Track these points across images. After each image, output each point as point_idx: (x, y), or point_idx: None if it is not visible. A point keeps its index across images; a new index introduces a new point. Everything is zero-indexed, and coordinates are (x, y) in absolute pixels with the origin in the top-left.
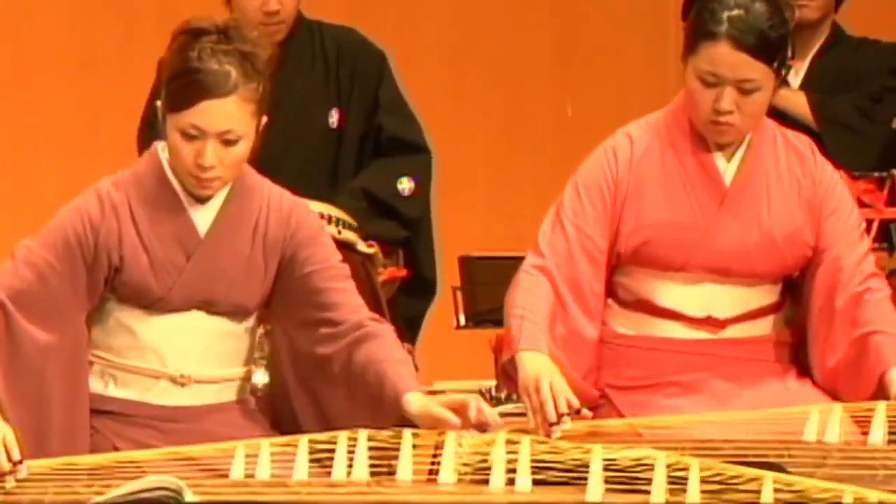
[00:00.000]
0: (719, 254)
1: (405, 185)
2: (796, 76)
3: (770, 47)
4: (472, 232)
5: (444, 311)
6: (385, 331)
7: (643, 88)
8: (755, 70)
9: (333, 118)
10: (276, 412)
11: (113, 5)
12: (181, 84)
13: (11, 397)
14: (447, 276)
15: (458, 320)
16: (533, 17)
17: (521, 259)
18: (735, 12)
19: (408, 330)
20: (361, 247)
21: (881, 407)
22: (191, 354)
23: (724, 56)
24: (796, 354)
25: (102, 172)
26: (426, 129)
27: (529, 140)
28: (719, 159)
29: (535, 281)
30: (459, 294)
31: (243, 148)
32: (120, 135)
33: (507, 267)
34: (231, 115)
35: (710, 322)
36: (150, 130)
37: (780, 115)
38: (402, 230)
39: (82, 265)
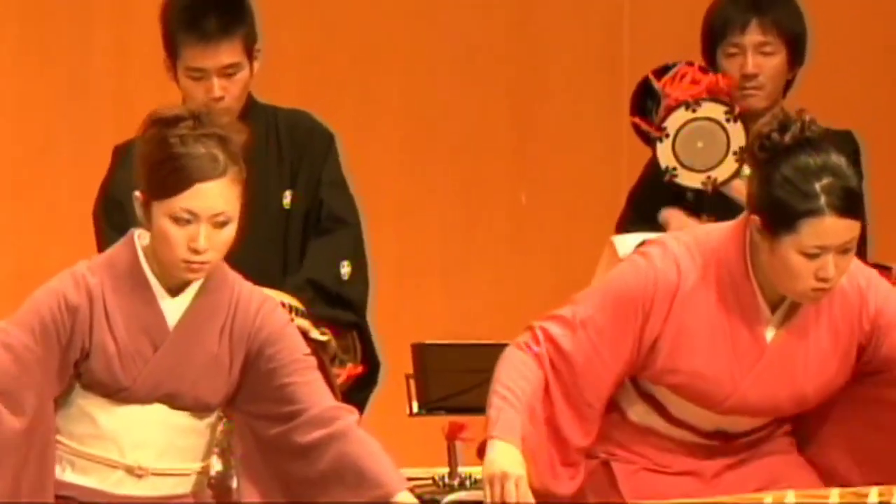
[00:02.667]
0: (746, 402)
1: (346, 268)
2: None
3: (860, 200)
4: (426, 319)
5: (397, 398)
6: (353, 423)
7: (598, 179)
8: (856, 229)
9: (287, 199)
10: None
11: (69, 91)
12: (168, 170)
13: None
14: (400, 363)
15: (410, 408)
16: (490, 105)
17: (474, 347)
18: (826, 181)
19: None
20: (314, 334)
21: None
22: (150, 447)
23: (830, 228)
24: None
25: (59, 259)
26: (381, 213)
27: (484, 227)
28: (764, 312)
29: (527, 364)
30: (412, 381)
31: (231, 230)
32: (77, 222)
33: (460, 354)
34: (223, 197)
35: (719, 436)
36: (106, 215)
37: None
38: (351, 314)
39: (57, 347)
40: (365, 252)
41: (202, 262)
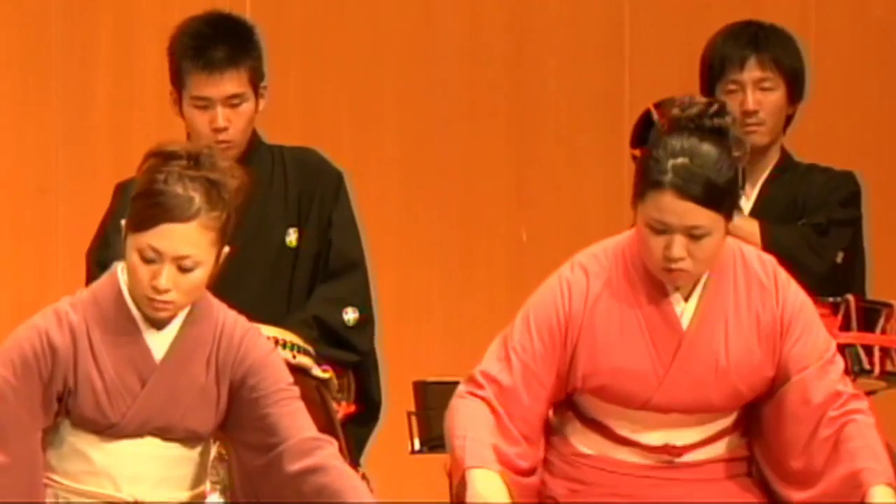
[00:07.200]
0: (676, 396)
1: (350, 314)
2: (747, 201)
3: (717, 194)
4: (427, 357)
5: (398, 436)
6: (332, 454)
7: (598, 216)
8: (703, 217)
9: (291, 237)
10: None
11: (67, 131)
12: (144, 204)
13: None
14: (402, 401)
15: (412, 445)
16: (489, 142)
17: None
18: (679, 160)
19: (356, 451)
20: (316, 371)
21: None
22: (145, 480)
23: (669, 204)
24: (751, 468)
25: (57, 299)
26: (381, 252)
27: (485, 265)
28: (676, 301)
29: (474, 405)
30: (414, 419)
31: (200, 275)
32: (75, 261)
33: None
34: (190, 240)
35: (667, 450)
36: (102, 250)
37: None
38: (353, 356)
39: (39, 383)
40: (371, 296)
41: (165, 302)
